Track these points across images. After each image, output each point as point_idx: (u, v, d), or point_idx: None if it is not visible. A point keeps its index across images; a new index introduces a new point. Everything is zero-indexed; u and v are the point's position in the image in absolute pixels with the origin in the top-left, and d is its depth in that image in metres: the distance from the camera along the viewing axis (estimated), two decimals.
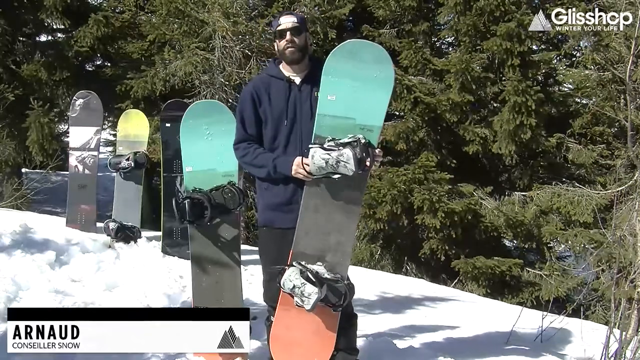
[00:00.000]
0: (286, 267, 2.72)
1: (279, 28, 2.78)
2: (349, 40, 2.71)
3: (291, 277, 2.67)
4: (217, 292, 3.17)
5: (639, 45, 7.13)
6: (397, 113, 9.89)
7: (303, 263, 2.71)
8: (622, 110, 9.26)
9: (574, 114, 10.27)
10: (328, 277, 2.70)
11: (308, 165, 2.61)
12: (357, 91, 2.64)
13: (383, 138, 9.14)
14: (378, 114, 2.67)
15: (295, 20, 2.77)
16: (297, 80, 2.80)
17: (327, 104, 2.65)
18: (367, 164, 2.59)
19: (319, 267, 2.71)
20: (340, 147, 2.58)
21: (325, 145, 2.60)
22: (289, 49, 2.76)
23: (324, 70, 2.65)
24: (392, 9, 10.36)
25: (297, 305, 2.69)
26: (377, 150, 2.68)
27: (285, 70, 2.82)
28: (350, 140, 2.59)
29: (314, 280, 2.64)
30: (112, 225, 6.00)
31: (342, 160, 2.56)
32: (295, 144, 2.76)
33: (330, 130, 2.64)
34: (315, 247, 2.73)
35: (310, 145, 2.63)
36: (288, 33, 2.75)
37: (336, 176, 2.60)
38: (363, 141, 2.58)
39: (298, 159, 2.66)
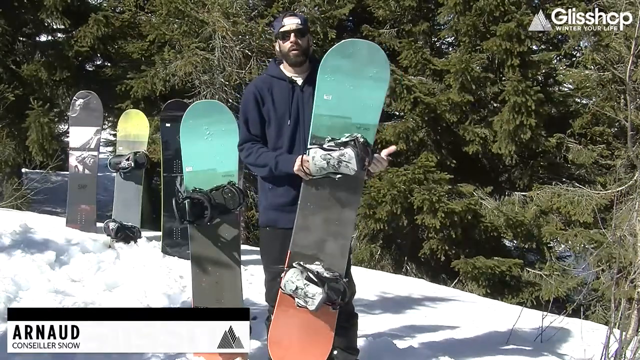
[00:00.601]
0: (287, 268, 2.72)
1: (282, 29, 2.77)
2: (344, 40, 2.72)
3: (292, 278, 2.68)
4: (217, 292, 3.17)
5: (639, 45, 7.13)
6: (397, 113, 9.90)
7: (302, 263, 2.71)
8: (622, 110, 9.27)
9: (574, 114, 10.28)
10: (327, 276, 2.70)
11: (308, 163, 2.61)
12: (353, 90, 2.64)
13: (382, 138, 9.15)
14: (374, 113, 2.67)
15: (299, 22, 2.76)
16: (299, 81, 2.80)
17: (323, 104, 2.65)
18: (367, 162, 2.59)
19: (317, 267, 2.71)
20: (341, 147, 2.58)
21: (325, 146, 2.60)
22: (294, 51, 2.75)
23: (320, 70, 2.65)
24: (392, 9, 10.38)
25: (298, 306, 2.69)
26: (384, 153, 2.68)
27: (287, 71, 2.82)
28: (348, 139, 2.60)
29: (316, 280, 2.64)
30: (112, 225, 6.00)
31: (344, 160, 2.56)
32: (299, 144, 2.76)
33: (327, 130, 2.64)
34: (312, 247, 2.73)
35: (309, 146, 2.63)
36: (292, 35, 2.75)
37: (337, 176, 2.60)
38: (361, 140, 2.59)
39: (301, 157, 2.66)
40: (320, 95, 2.65)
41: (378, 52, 2.67)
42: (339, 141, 2.60)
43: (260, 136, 2.82)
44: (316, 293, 2.63)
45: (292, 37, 2.74)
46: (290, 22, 2.76)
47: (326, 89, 2.64)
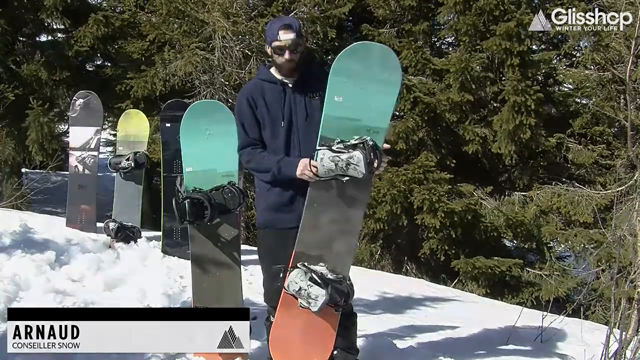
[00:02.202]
0: (288, 267, 2.72)
1: (277, 44, 2.71)
2: (357, 42, 2.70)
3: (296, 279, 2.67)
4: (217, 292, 3.17)
5: (639, 45, 7.13)
6: (397, 113, 9.88)
7: (307, 264, 2.70)
8: (622, 110, 9.28)
9: (574, 114, 10.28)
10: (331, 277, 2.69)
11: (315, 167, 2.60)
12: (364, 92, 2.62)
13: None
14: (384, 116, 2.66)
15: (295, 36, 2.71)
16: (290, 83, 2.80)
17: (334, 105, 2.63)
18: (375, 165, 2.58)
19: (321, 268, 2.71)
20: (350, 150, 2.56)
21: (333, 147, 2.59)
22: (289, 66, 2.74)
23: (332, 71, 2.63)
24: (392, 8, 10.37)
25: (301, 307, 2.68)
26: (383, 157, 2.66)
27: (277, 74, 2.82)
28: (357, 142, 2.58)
29: (320, 282, 2.63)
30: (112, 225, 6.00)
31: (353, 163, 2.54)
32: (294, 145, 2.76)
33: (337, 132, 2.62)
34: (317, 248, 2.73)
35: (317, 147, 2.61)
36: (287, 52, 2.71)
37: (345, 179, 2.59)
38: (370, 143, 2.57)
39: (304, 161, 2.64)
40: (331, 96, 2.63)
41: (390, 56, 2.65)
42: (348, 143, 2.58)
43: (258, 139, 2.81)
44: (319, 295, 2.63)
45: (287, 55, 2.71)
46: (286, 38, 2.69)
47: (337, 90, 2.62)
